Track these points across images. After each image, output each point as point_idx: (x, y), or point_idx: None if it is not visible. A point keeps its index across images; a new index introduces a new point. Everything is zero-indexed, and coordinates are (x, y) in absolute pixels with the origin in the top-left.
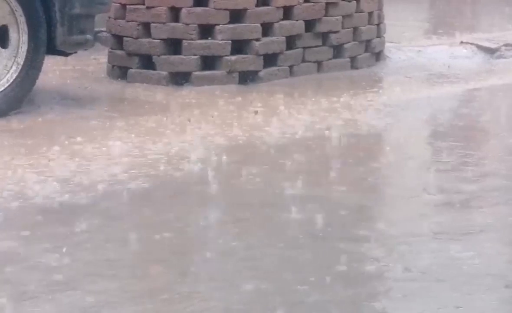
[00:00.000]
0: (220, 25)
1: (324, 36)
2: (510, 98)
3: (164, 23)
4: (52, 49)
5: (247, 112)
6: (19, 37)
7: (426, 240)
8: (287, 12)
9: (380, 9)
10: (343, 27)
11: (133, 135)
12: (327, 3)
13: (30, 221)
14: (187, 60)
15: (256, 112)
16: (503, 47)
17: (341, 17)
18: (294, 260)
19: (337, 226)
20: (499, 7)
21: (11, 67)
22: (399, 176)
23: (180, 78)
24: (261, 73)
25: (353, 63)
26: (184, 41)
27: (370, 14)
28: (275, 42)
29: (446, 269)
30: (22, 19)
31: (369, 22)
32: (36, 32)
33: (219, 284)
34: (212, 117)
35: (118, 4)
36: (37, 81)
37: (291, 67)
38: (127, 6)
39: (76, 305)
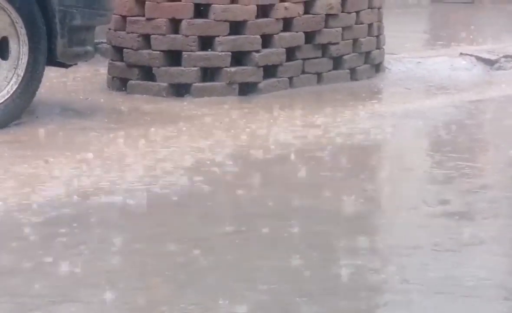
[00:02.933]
0: (220, 37)
1: (324, 47)
2: (509, 110)
3: (164, 34)
4: (53, 61)
5: (250, 121)
6: (19, 49)
7: (425, 252)
8: (287, 24)
9: (379, 20)
10: (342, 39)
11: (131, 146)
12: (327, 15)
13: (24, 233)
14: (187, 72)
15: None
16: (503, 59)
17: (341, 28)
18: (293, 272)
19: (336, 238)
20: (499, 18)
21: (11, 78)
22: (398, 187)
23: (180, 90)
24: (260, 85)
25: (353, 75)
26: (184, 52)
27: (370, 25)
28: (275, 53)
29: (445, 281)
30: (22, 31)
31: (369, 34)
32: (36, 44)
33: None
34: (219, 125)
35: (119, 16)
36: (37, 92)
37: (290, 78)
38: (128, 18)
39: None
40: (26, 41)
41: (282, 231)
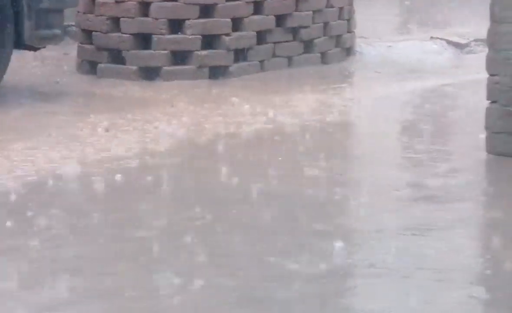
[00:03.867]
0: (190, 20)
1: (295, 31)
2: (479, 94)
3: (133, 17)
4: (20, 44)
5: (220, 104)
6: None
7: (392, 235)
8: (258, 7)
9: (350, 4)
10: (313, 22)
11: (99, 129)
12: None
13: None
14: (157, 55)
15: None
16: (473, 43)
17: (311, 12)
18: (261, 256)
19: (304, 221)
20: (471, 3)
21: None
22: (367, 171)
23: (150, 73)
24: (231, 68)
25: (324, 58)
26: (154, 36)
27: (341, 9)
28: (245, 37)
29: (412, 265)
30: None
31: (340, 17)
32: (3, 27)
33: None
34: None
35: None
36: (5, 76)
37: (261, 62)
38: (96, 0)
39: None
40: None
41: (248, 215)
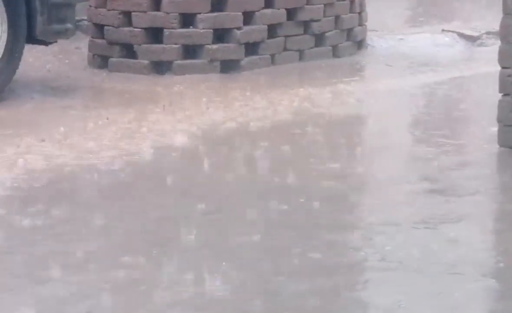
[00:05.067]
0: (202, 14)
1: (306, 24)
2: (491, 87)
3: (145, 12)
4: (32, 39)
5: (230, 99)
6: None
7: (404, 229)
8: (269, 1)
9: None
10: (324, 16)
11: (113, 125)
12: None
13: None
14: (169, 49)
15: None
16: (485, 35)
17: (322, 5)
18: (272, 250)
19: (316, 215)
20: None
21: None
22: (379, 164)
23: (161, 67)
24: (242, 62)
25: (335, 52)
26: (165, 30)
27: (352, 2)
28: (256, 30)
29: (424, 258)
30: (1, 9)
31: (351, 11)
32: (15, 22)
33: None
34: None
35: None
36: (17, 71)
37: (272, 56)
38: None
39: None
40: (5, 19)
41: (261, 209)
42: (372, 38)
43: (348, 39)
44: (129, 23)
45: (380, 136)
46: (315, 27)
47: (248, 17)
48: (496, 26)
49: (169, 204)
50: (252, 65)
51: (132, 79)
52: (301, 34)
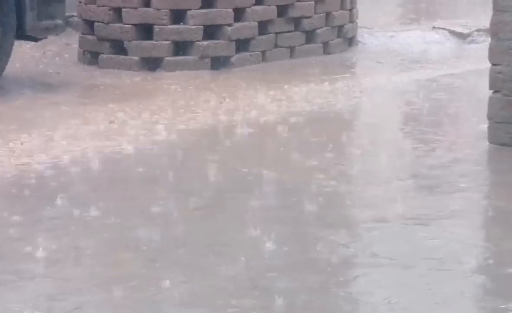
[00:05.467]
0: (192, 10)
1: (297, 21)
2: (481, 84)
3: (135, 8)
4: (22, 35)
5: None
6: None
7: (394, 225)
8: None
9: None
10: (315, 13)
11: (100, 120)
12: None
13: None
14: (159, 46)
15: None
16: (475, 33)
17: (313, 2)
18: (262, 246)
19: (306, 212)
20: None
21: None
22: (369, 161)
23: (151, 64)
24: (233, 59)
25: (326, 49)
26: (155, 26)
27: None
28: (247, 27)
29: (414, 255)
30: None
31: (342, 7)
32: (5, 17)
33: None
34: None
35: None
36: (6, 67)
37: (263, 52)
38: None
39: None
40: None
41: (250, 204)
42: (363, 35)
43: (339, 36)
44: (120, 19)
45: (371, 132)
46: (306, 24)
47: (239, 14)
48: (486, 23)
49: (161, 197)
50: (243, 62)
51: (122, 76)
52: (292, 31)
